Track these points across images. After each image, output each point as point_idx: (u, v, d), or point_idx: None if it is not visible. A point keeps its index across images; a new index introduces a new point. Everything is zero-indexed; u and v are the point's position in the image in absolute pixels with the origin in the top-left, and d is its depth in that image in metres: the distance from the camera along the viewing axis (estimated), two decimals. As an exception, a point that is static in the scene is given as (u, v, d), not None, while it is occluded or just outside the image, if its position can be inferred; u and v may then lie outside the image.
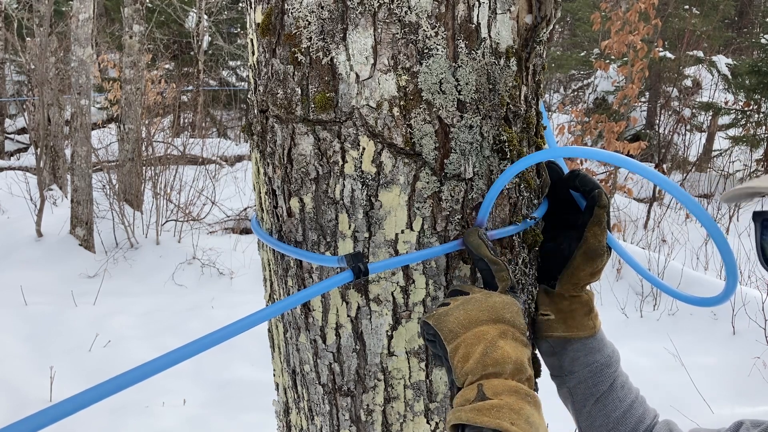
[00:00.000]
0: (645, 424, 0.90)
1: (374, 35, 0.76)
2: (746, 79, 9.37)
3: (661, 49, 7.93)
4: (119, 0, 12.31)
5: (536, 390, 0.86)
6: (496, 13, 0.79)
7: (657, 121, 11.05)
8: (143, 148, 6.99)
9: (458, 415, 0.69)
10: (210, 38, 13.85)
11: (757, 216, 0.76)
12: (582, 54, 12.71)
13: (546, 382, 0.96)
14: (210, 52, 14.00)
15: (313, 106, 0.80)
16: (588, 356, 0.90)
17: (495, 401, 0.68)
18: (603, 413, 0.90)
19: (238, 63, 15.05)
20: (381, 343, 0.86)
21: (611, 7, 7.09)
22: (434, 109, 0.78)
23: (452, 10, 0.76)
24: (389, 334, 0.86)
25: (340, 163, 0.80)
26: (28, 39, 8.16)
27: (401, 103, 0.78)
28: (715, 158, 10.26)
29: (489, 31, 0.79)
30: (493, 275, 0.78)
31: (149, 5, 12.06)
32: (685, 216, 7.67)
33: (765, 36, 10.54)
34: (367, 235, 0.82)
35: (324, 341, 0.89)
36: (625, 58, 7.30)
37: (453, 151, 0.80)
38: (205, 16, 13.05)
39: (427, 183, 0.80)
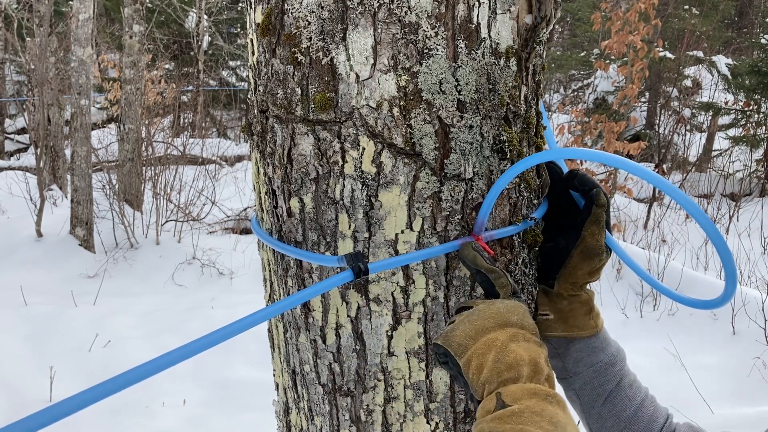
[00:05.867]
0: (659, 423, 0.88)
1: (374, 35, 0.76)
2: (746, 79, 9.36)
3: (661, 49, 7.93)
4: (119, 0, 12.31)
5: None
6: (496, 13, 0.79)
7: (657, 121, 11.05)
8: (143, 148, 7.00)
9: (480, 428, 0.68)
10: (210, 38, 13.85)
11: None
12: (582, 54, 12.71)
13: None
14: (210, 52, 14.01)
15: (313, 106, 0.80)
16: (591, 356, 0.89)
17: (515, 407, 0.67)
18: (613, 413, 0.88)
19: (238, 63, 15.05)
20: (381, 343, 0.86)
21: (611, 7, 7.10)
22: (434, 109, 0.78)
23: (452, 10, 0.76)
24: (389, 334, 0.86)
25: (340, 163, 0.80)
26: (28, 39, 8.15)
27: (401, 103, 0.78)
28: (715, 158, 10.25)
29: (489, 31, 0.79)
30: (493, 284, 0.78)
31: (149, 5, 12.06)
32: (685, 216, 7.66)
33: (765, 36, 10.54)
34: (367, 235, 0.82)
35: (324, 341, 0.89)
36: (625, 58, 7.31)
37: (453, 151, 0.80)
38: (205, 16, 13.06)
39: (427, 183, 0.80)
